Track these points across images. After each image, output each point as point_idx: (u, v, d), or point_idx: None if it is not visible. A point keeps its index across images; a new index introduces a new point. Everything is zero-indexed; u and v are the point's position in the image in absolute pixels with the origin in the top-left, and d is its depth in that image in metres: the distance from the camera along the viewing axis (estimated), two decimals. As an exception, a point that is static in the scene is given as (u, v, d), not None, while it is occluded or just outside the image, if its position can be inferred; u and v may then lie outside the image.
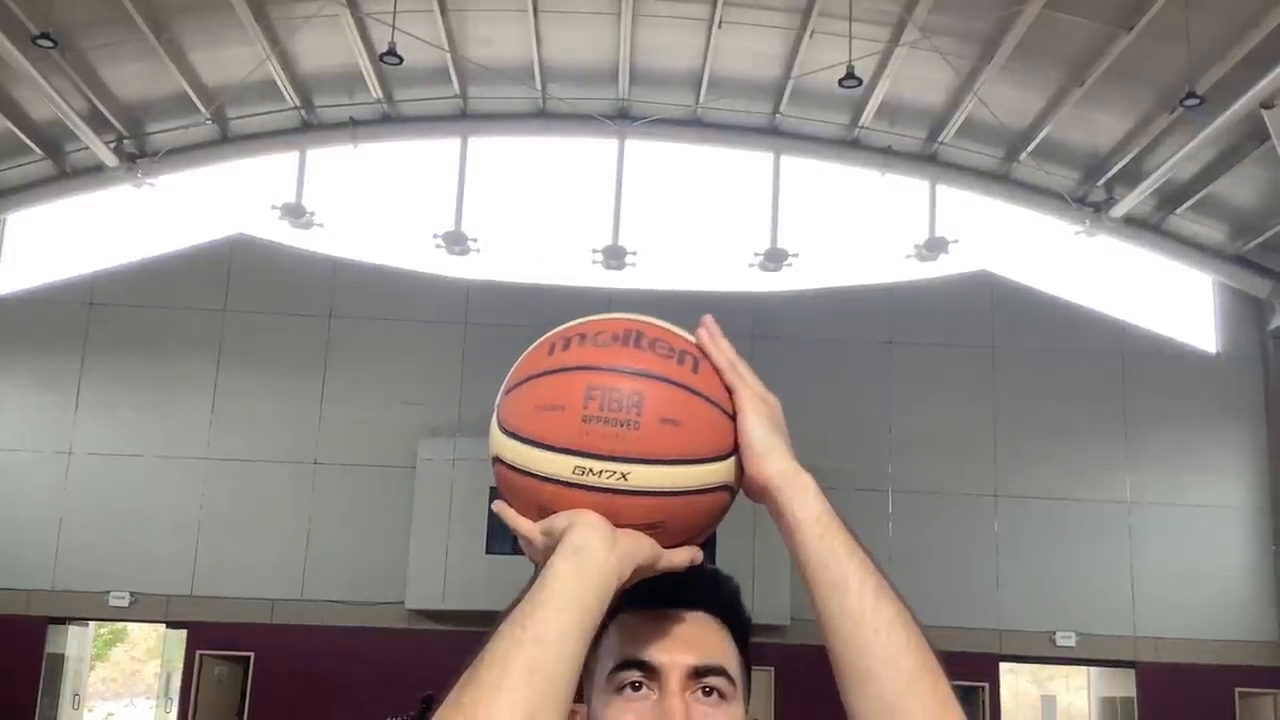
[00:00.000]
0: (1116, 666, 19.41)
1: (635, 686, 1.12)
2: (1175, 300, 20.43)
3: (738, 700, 1.15)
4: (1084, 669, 20.99)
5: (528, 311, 19.51)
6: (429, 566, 18.07)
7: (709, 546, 1.16)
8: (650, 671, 1.12)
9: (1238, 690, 18.99)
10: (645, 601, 1.16)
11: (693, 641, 1.15)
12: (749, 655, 1.20)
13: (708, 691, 1.13)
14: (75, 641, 19.40)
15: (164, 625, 19.11)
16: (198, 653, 18.48)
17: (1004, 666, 19.41)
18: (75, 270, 19.42)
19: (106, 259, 19.45)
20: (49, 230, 20.07)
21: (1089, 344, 19.84)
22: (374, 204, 20.40)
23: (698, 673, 1.13)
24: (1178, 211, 19.09)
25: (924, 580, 18.89)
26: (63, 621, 18.83)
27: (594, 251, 19.96)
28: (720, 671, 1.14)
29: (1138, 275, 20.43)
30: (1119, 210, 18.61)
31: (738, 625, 1.21)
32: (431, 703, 11.42)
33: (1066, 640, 19.08)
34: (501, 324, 19.48)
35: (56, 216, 19.97)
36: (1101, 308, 20.08)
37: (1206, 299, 20.33)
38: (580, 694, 1.12)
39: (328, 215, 19.71)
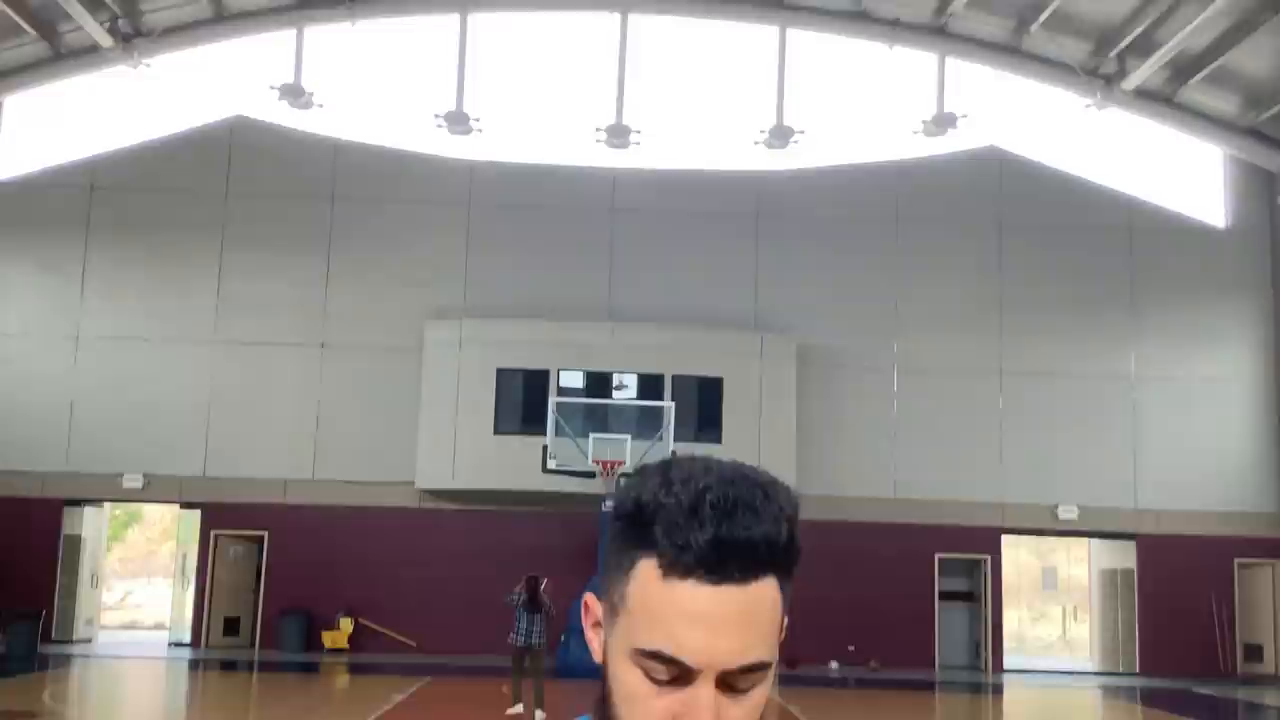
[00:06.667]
0: (1117, 539, 19.68)
1: (662, 673, 0.96)
2: (1184, 175, 20.22)
3: (768, 674, 1.02)
4: (1085, 541, 21.27)
5: (531, 192, 19.38)
6: (438, 446, 18.23)
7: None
8: (684, 668, 0.95)
9: (1237, 560, 19.28)
10: (689, 570, 0.95)
11: (737, 636, 0.96)
12: (794, 573, 1.04)
13: (739, 688, 0.97)
14: (91, 523, 19.71)
15: (178, 506, 19.39)
16: (212, 532, 18.80)
17: (1006, 539, 19.68)
18: (75, 154, 19.25)
19: (106, 142, 19.27)
20: (47, 113, 19.83)
21: (1097, 219, 19.69)
22: (374, 84, 20.10)
23: (737, 670, 0.96)
24: (1190, 83, 18.76)
25: (928, 455, 19.06)
26: (78, 503, 19.12)
27: (598, 130, 19.71)
28: (759, 668, 0.97)
29: (1147, 150, 20.19)
30: (1131, 82, 18.30)
31: (789, 561, 0.99)
32: (538, 582, 11.73)
33: (1068, 513, 19.32)
34: (505, 204, 19.36)
35: (54, 99, 19.71)
36: (1110, 183, 19.89)
37: (1216, 173, 20.11)
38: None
39: (327, 96, 19.45)
